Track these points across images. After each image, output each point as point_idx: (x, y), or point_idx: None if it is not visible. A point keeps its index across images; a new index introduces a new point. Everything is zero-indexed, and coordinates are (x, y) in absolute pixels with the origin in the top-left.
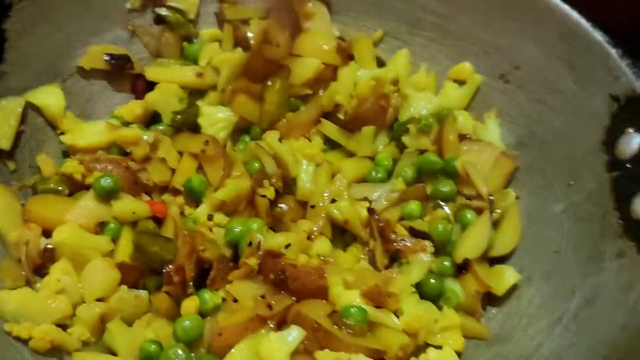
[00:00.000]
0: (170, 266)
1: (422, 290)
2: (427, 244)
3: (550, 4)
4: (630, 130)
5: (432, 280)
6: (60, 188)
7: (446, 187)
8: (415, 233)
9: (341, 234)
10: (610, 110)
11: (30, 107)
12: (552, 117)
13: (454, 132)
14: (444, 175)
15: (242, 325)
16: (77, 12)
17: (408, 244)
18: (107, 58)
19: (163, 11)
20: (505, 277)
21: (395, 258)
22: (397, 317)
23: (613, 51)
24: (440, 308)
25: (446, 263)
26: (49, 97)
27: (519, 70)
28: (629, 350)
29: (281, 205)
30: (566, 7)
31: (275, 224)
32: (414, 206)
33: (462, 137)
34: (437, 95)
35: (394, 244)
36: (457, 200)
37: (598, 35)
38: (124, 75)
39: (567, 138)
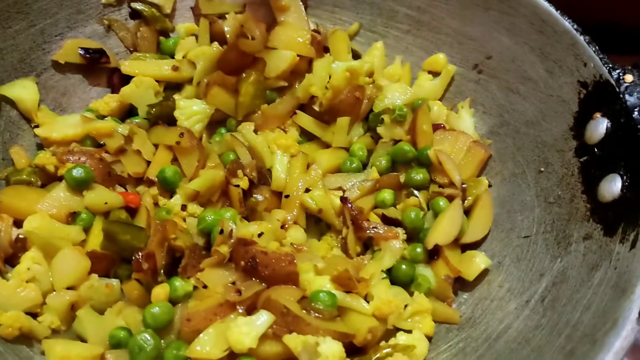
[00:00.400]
0: (139, 253)
1: (393, 276)
2: (400, 231)
3: None
4: (598, 115)
5: (404, 267)
6: (32, 179)
7: (419, 175)
8: (388, 221)
9: (316, 224)
10: (579, 97)
11: (4, 100)
12: (524, 105)
13: (427, 122)
14: (418, 164)
15: (211, 311)
16: (52, 7)
17: (380, 231)
18: (82, 52)
19: (139, 6)
20: (476, 262)
21: (368, 246)
22: (368, 302)
23: (581, 38)
24: (411, 294)
25: (418, 250)
26: (23, 91)
27: (492, 60)
28: (592, 328)
29: (256, 195)
30: None
31: (250, 214)
32: (386, 194)
33: (436, 127)
34: (411, 86)
35: (367, 231)
36: (430, 189)
37: (567, 24)
38: (99, 69)
39: (539, 126)
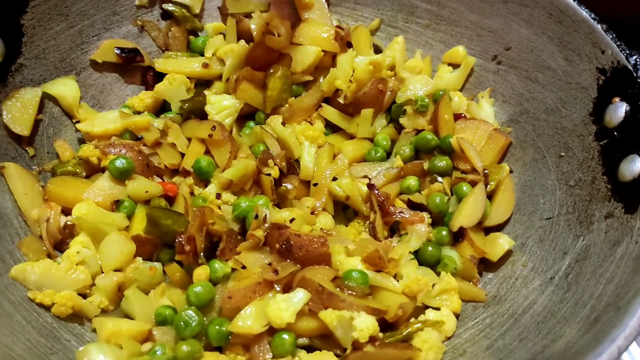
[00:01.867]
0: (182, 236)
1: (420, 258)
2: (425, 215)
3: None
4: (617, 99)
5: (430, 249)
6: (77, 171)
7: (442, 162)
8: (413, 206)
9: (343, 211)
10: (598, 83)
11: (47, 97)
12: (544, 93)
13: (449, 112)
14: (440, 152)
15: (251, 289)
16: (89, 9)
17: (406, 216)
18: (118, 51)
19: (170, 7)
20: (500, 243)
21: (395, 230)
22: (397, 281)
23: (599, 27)
24: (438, 274)
25: (444, 233)
26: (65, 88)
27: (511, 51)
28: (616, 297)
29: (285, 184)
30: None
31: (280, 202)
32: (411, 181)
33: (457, 116)
34: (432, 78)
35: (393, 216)
36: (453, 175)
37: (584, 13)
38: (134, 67)
39: (558, 113)
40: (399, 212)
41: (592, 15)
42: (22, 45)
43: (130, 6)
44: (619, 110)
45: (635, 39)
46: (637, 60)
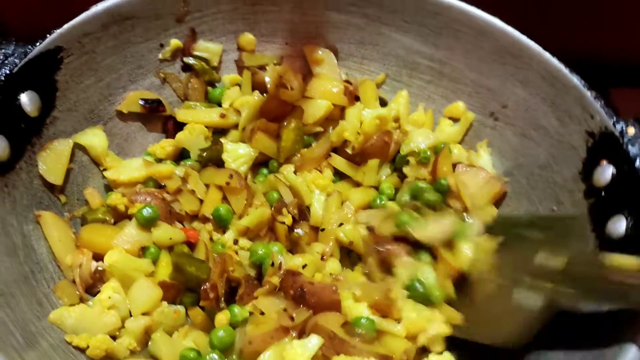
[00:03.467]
0: (206, 284)
1: (412, 296)
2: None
3: (534, 51)
4: (604, 161)
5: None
6: (107, 218)
7: (433, 196)
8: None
9: (348, 255)
10: (587, 145)
11: (77, 147)
12: (537, 150)
13: (448, 163)
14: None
15: (269, 335)
16: (117, 63)
17: (389, 247)
18: (142, 102)
19: (190, 60)
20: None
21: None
22: (399, 323)
23: (588, 93)
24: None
25: (422, 256)
26: (94, 139)
27: (507, 109)
28: None
29: (297, 230)
30: (547, 54)
31: (293, 247)
32: (404, 216)
33: (456, 165)
34: (434, 131)
35: (380, 250)
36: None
37: (575, 80)
38: (156, 117)
39: (551, 168)
40: (384, 246)
41: (583, 82)
42: (56, 99)
43: (154, 60)
44: (606, 172)
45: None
46: (623, 127)
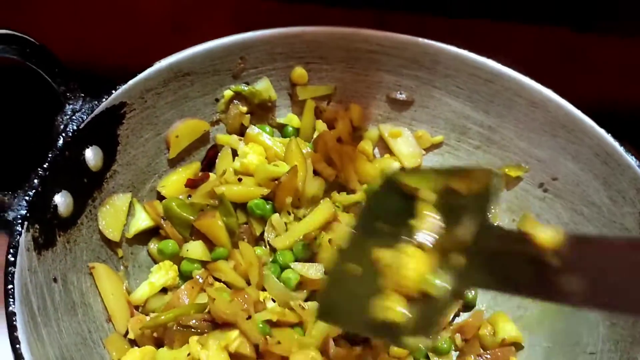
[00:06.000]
0: None
1: None
2: None
3: (587, 126)
4: None
5: None
6: None
7: None
8: None
9: None
10: None
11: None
12: (588, 227)
13: None
14: None
15: None
16: (174, 118)
17: None
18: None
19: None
20: None
21: None
22: None
23: None
24: None
25: None
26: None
27: (557, 182)
28: None
29: None
30: (602, 131)
31: None
32: None
33: None
34: None
35: None
36: None
37: (631, 160)
38: None
39: None
40: None
41: (638, 163)
42: (117, 153)
43: (209, 114)
44: None
45: None
46: None
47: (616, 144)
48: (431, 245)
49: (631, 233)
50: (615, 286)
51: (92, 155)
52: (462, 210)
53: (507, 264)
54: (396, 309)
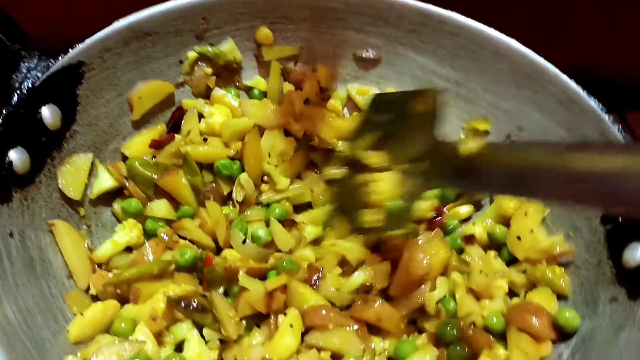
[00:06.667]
0: None
1: None
2: None
3: (552, 74)
4: None
5: None
6: None
7: None
8: None
9: None
10: None
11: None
12: None
13: None
14: None
15: None
16: (136, 79)
17: None
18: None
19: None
20: None
21: None
22: None
23: (606, 117)
24: None
25: None
26: None
27: (523, 131)
28: None
29: None
30: (565, 77)
31: None
32: None
33: None
34: None
35: None
36: None
37: (593, 103)
38: None
39: None
40: None
41: (600, 106)
42: (77, 113)
43: (173, 75)
44: None
45: None
46: None
47: (579, 89)
48: (395, 166)
49: None
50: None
51: (49, 114)
52: (418, 128)
53: (448, 167)
54: (375, 218)
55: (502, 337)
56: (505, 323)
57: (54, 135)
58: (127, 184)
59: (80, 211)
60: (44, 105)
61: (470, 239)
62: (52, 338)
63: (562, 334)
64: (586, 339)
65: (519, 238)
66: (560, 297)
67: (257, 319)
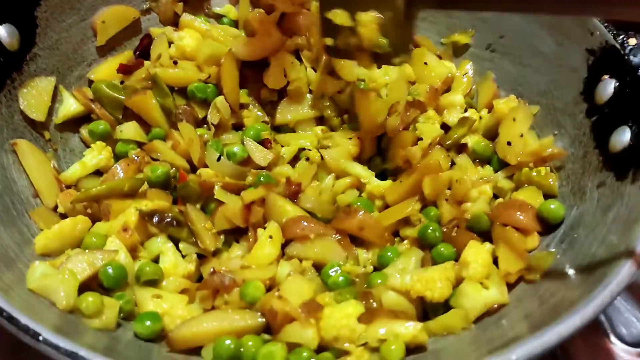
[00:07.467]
0: None
1: None
2: None
3: None
4: (606, 76)
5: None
6: None
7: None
8: None
9: None
10: (588, 63)
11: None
12: (536, 77)
13: None
14: None
15: None
16: (99, 4)
17: None
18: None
19: None
20: None
21: None
22: None
23: None
24: None
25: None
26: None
27: (504, 39)
28: (608, 256)
29: None
30: None
31: None
32: None
33: None
34: None
35: None
36: None
37: None
38: None
39: (551, 95)
40: None
41: None
42: (37, 36)
43: (139, 2)
44: (608, 86)
45: None
46: (624, 39)
47: None
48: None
49: (578, 72)
50: None
51: (6, 34)
52: None
53: None
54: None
55: (487, 237)
56: (489, 222)
57: (13, 56)
58: (94, 107)
59: (45, 134)
60: (1, 24)
61: (462, 147)
62: (17, 248)
63: (548, 226)
64: (574, 226)
65: (509, 144)
66: (549, 196)
67: (236, 235)
